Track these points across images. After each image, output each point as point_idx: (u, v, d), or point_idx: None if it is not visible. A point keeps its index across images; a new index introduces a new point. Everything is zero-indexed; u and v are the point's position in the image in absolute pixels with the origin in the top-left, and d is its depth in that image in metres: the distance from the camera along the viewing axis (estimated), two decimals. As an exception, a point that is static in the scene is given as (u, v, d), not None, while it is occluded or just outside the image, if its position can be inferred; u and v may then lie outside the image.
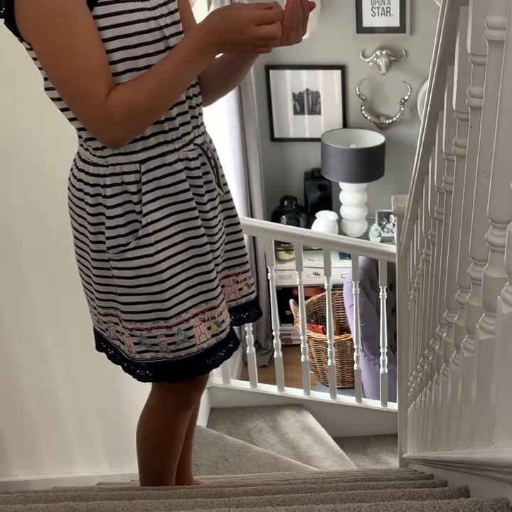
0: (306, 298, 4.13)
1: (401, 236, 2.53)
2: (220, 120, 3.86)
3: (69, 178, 1.51)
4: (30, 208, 2.11)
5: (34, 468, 2.46)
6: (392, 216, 4.27)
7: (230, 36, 1.29)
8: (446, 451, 1.48)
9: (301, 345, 3.40)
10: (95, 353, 2.25)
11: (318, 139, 4.33)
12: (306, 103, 4.40)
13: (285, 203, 4.51)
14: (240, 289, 1.70)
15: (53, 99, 1.41)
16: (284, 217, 4.47)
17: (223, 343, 1.57)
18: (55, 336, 2.30)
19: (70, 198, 1.51)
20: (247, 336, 3.34)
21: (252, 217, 4.13)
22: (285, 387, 3.52)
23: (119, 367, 1.65)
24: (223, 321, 1.57)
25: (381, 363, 3.36)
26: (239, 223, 1.67)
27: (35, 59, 1.35)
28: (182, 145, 1.45)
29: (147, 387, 2.65)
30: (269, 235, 3.14)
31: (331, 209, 4.56)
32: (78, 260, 1.56)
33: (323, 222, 4.41)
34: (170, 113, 1.41)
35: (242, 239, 1.69)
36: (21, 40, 1.32)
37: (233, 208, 1.64)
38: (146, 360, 1.55)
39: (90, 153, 1.43)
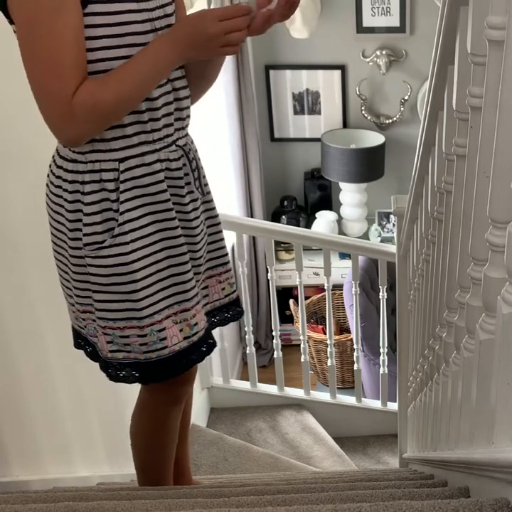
0: (306, 298, 4.13)
1: (401, 236, 2.53)
2: (220, 120, 3.86)
3: (48, 175, 1.51)
4: (30, 208, 2.11)
5: (34, 468, 2.46)
6: (392, 216, 4.27)
7: (196, 37, 1.31)
8: (446, 451, 1.48)
9: (301, 345, 3.40)
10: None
11: (318, 139, 4.33)
12: (306, 103, 4.40)
13: (285, 203, 4.51)
14: (223, 289, 1.70)
15: None
16: (284, 217, 4.47)
17: (195, 346, 1.56)
18: (55, 337, 2.30)
19: (47, 195, 1.50)
20: (247, 336, 3.34)
21: (252, 217, 4.13)
22: (285, 387, 3.52)
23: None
24: (196, 324, 1.56)
25: (381, 363, 3.36)
26: (219, 223, 1.67)
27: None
28: (163, 146, 1.45)
29: (147, 387, 2.64)
30: (269, 235, 3.14)
31: (331, 209, 4.56)
32: (56, 257, 1.56)
33: (323, 222, 4.41)
34: (154, 114, 1.41)
35: (223, 239, 1.69)
36: (11, 22, 1.32)
37: (214, 208, 1.64)
38: (118, 360, 1.54)
39: (69, 149, 1.42)
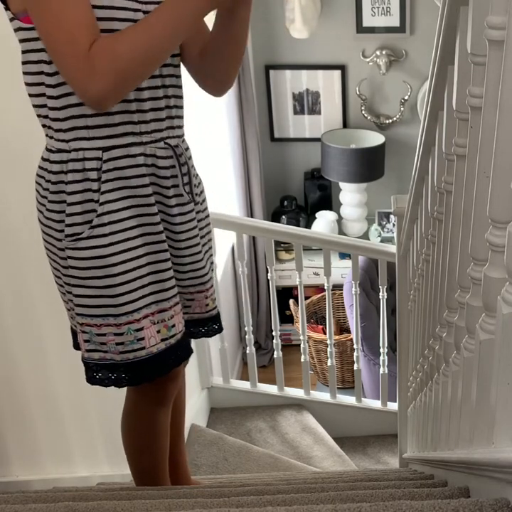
0: (306, 298, 4.14)
1: (401, 236, 2.53)
2: (220, 120, 3.86)
3: (37, 172, 1.48)
4: (30, 208, 2.11)
5: (34, 468, 2.46)
6: (392, 216, 4.27)
7: None
8: (446, 451, 1.48)
9: (301, 345, 3.40)
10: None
11: (318, 139, 4.33)
12: (306, 103, 4.40)
13: (285, 203, 4.52)
14: (207, 305, 1.67)
15: (26, 83, 1.39)
16: (284, 217, 4.47)
17: (172, 348, 1.52)
18: (55, 337, 2.30)
19: (36, 190, 1.48)
20: (247, 336, 3.34)
21: (252, 217, 4.14)
22: (285, 387, 3.52)
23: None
24: (173, 326, 1.52)
25: (381, 363, 3.36)
26: (211, 239, 1.66)
27: (19, 29, 1.33)
28: (150, 140, 1.42)
29: (147, 387, 2.64)
30: (269, 235, 3.14)
31: (331, 209, 4.56)
32: (48, 255, 1.53)
33: (323, 222, 4.41)
34: (142, 105, 1.39)
35: (211, 247, 1.68)
36: (6, 8, 1.31)
37: (209, 224, 1.63)
38: (94, 361, 1.50)
39: (54, 139, 1.40)
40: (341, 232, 4.46)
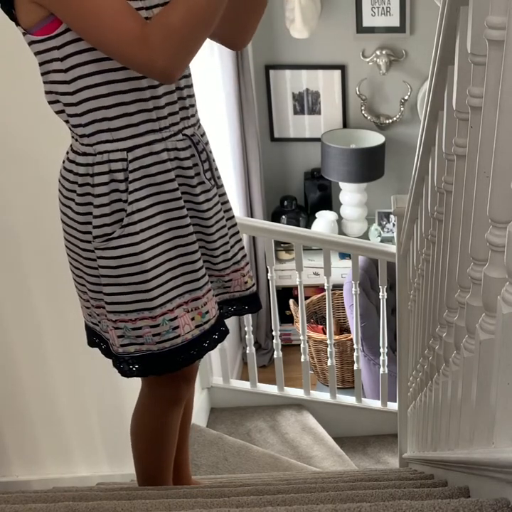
0: (306, 298, 4.13)
1: (401, 236, 2.53)
2: (220, 120, 3.86)
3: (60, 171, 1.50)
4: (30, 209, 2.11)
5: (34, 468, 2.46)
6: (392, 216, 4.27)
7: None
8: (446, 451, 1.48)
9: (301, 345, 3.40)
10: (95, 352, 2.24)
11: (318, 139, 4.33)
12: (306, 103, 4.40)
13: (285, 203, 4.51)
14: (246, 282, 1.71)
15: (50, 103, 1.42)
16: (284, 217, 4.47)
17: (207, 334, 1.57)
18: (55, 337, 2.30)
19: (60, 191, 1.50)
20: (247, 336, 3.34)
21: (252, 217, 4.13)
22: (285, 387, 3.52)
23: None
24: (207, 312, 1.56)
25: (381, 363, 3.36)
26: (234, 216, 1.68)
27: (32, 43, 1.34)
28: (169, 135, 1.44)
29: (147, 387, 2.64)
30: (269, 235, 3.14)
31: (331, 209, 4.56)
32: (69, 254, 1.55)
33: (323, 222, 4.41)
34: (158, 102, 1.41)
35: (239, 231, 1.70)
36: (17, 24, 1.33)
37: (228, 201, 1.65)
38: (130, 354, 1.54)
39: (79, 142, 1.42)
40: (341, 232, 4.45)
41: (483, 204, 1.01)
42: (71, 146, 1.48)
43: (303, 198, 4.64)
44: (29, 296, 2.25)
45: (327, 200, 4.60)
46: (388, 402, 3.45)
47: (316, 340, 4.14)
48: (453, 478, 1.45)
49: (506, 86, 0.90)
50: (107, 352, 1.64)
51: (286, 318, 4.54)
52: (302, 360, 3.41)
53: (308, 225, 4.48)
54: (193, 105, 1.52)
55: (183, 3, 1.25)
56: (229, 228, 1.63)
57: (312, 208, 4.59)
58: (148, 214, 1.45)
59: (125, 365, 1.56)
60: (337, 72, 4.28)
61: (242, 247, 1.70)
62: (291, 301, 4.37)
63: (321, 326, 4.30)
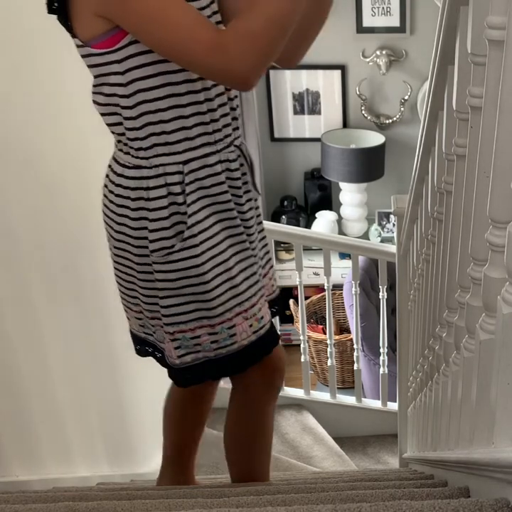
0: (306, 298, 4.13)
1: (401, 236, 2.53)
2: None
3: (105, 186, 1.48)
4: (30, 209, 2.11)
5: (34, 468, 2.45)
6: (392, 216, 4.27)
7: None
8: (446, 451, 1.48)
9: (301, 345, 3.40)
10: (95, 352, 2.25)
11: (318, 139, 4.33)
12: (306, 103, 4.40)
13: (285, 203, 4.51)
14: (272, 286, 1.72)
15: (98, 103, 1.39)
16: (284, 217, 4.47)
17: (262, 338, 1.57)
18: (55, 336, 2.30)
19: (107, 206, 1.48)
20: (247, 336, 3.34)
21: (252, 217, 4.13)
22: (285, 387, 3.51)
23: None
24: (262, 317, 1.57)
25: (381, 363, 3.36)
26: (261, 223, 1.67)
27: (89, 55, 1.32)
28: (223, 147, 1.44)
29: (148, 385, 2.65)
30: (269, 235, 3.10)
31: (331, 209, 4.56)
32: (118, 268, 1.54)
33: (323, 222, 4.41)
34: (214, 115, 1.41)
35: (266, 236, 1.70)
36: (73, 36, 1.31)
37: (259, 207, 1.64)
38: (187, 363, 1.54)
39: (132, 156, 1.41)
40: (341, 232, 4.46)
41: (483, 204, 1.01)
42: (116, 159, 1.45)
43: (303, 198, 4.64)
44: (29, 296, 2.25)
45: (327, 200, 4.60)
46: (388, 402, 3.45)
47: (316, 340, 4.14)
48: (453, 479, 1.44)
49: (506, 86, 0.90)
50: (163, 361, 1.63)
51: (286, 318, 4.54)
52: (302, 360, 3.41)
53: (308, 225, 4.48)
54: (239, 115, 1.52)
55: (261, 9, 1.23)
56: (259, 232, 1.63)
57: (312, 208, 4.59)
58: (207, 225, 1.44)
59: (181, 376, 1.57)
60: (337, 72, 4.28)
61: (268, 251, 1.70)
62: (291, 301, 4.37)
63: (321, 326, 4.30)
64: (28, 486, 2.32)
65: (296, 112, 4.44)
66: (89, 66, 1.35)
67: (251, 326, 1.54)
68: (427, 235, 1.79)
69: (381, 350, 3.34)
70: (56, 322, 2.30)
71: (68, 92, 2.05)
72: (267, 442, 1.85)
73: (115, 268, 1.56)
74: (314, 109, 4.42)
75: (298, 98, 4.40)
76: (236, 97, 1.49)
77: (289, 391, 3.54)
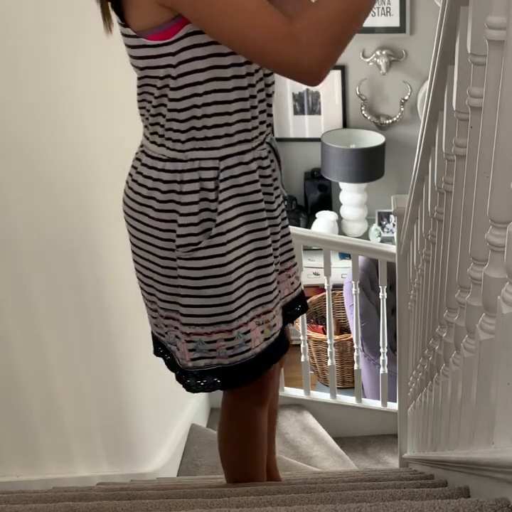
0: (306, 298, 4.13)
1: (401, 236, 2.53)
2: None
3: (132, 179, 1.45)
4: (30, 209, 2.11)
5: (34, 468, 2.45)
6: (392, 216, 4.27)
7: None
8: (446, 451, 1.48)
9: (301, 345, 3.40)
10: (95, 352, 2.25)
11: (318, 139, 4.33)
12: (306, 103, 4.40)
13: (285, 203, 4.51)
14: (292, 283, 1.68)
15: (148, 93, 1.36)
16: (284, 217, 4.46)
17: (272, 346, 1.54)
18: (55, 336, 2.30)
19: (131, 198, 1.45)
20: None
21: (252, 217, 4.13)
22: (285, 387, 3.52)
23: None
24: (275, 325, 1.54)
25: (381, 363, 3.36)
26: (287, 217, 1.65)
27: (141, 47, 1.29)
28: (257, 144, 1.43)
29: (148, 385, 2.65)
30: (269, 235, 3.13)
31: (331, 209, 4.56)
32: (138, 262, 1.50)
33: (323, 222, 4.41)
34: (255, 112, 1.39)
35: (290, 232, 1.67)
36: (125, 26, 1.28)
37: (281, 204, 1.63)
38: (199, 368, 1.51)
39: (167, 148, 1.39)
40: (341, 232, 4.45)
41: (483, 204, 1.01)
42: (146, 152, 1.43)
43: (303, 198, 4.64)
44: (29, 296, 2.25)
45: (327, 200, 4.60)
46: (388, 402, 3.45)
47: (316, 340, 4.14)
48: (453, 478, 1.44)
49: (506, 86, 0.90)
50: (170, 365, 1.61)
51: (286, 318, 4.53)
52: (302, 360, 3.41)
53: (308, 225, 4.48)
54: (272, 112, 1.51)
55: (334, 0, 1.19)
56: (282, 228, 1.62)
57: (312, 208, 4.59)
58: (235, 225, 1.42)
59: (192, 380, 1.53)
60: (337, 72, 4.28)
61: (292, 249, 1.67)
62: (291, 301, 4.36)
63: (321, 326, 4.30)
64: (28, 486, 2.32)
65: (296, 112, 4.44)
66: (137, 57, 1.32)
67: (262, 332, 1.51)
68: (427, 235, 1.79)
69: (381, 350, 3.34)
70: (56, 322, 2.30)
71: (69, 92, 2.05)
72: (258, 446, 1.78)
73: (135, 261, 1.52)
74: (314, 109, 4.42)
75: (298, 98, 4.40)
76: (273, 92, 1.47)
77: (289, 391, 3.54)
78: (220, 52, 1.29)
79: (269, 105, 1.46)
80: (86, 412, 2.48)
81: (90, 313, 2.33)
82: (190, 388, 1.55)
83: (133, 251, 1.51)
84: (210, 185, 1.38)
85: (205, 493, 1.56)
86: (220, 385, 1.54)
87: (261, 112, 1.42)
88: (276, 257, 1.55)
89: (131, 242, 1.50)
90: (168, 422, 2.94)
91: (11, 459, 2.42)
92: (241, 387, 1.58)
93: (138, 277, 1.55)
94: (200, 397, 3.29)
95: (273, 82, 1.46)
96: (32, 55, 1.89)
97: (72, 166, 2.15)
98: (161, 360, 1.65)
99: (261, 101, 1.41)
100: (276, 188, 1.50)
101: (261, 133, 1.43)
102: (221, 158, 1.38)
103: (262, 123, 1.43)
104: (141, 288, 1.56)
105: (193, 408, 3.22)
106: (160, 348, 1.63)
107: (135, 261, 1.52)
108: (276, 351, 1.56)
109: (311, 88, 4.34)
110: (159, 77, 1.32)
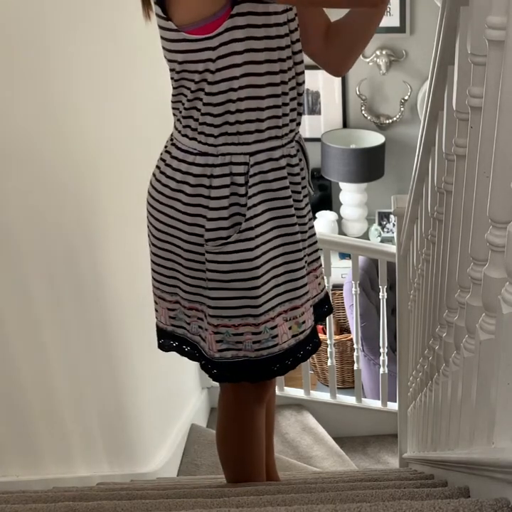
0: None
1: (401, 236, 2.53)
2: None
3: (160, 171, 1.47)
4: (30, 208, 2.11)
5: (34, 468, 2.45)
6: (392, 216, 4.27)
7: None
8: (446, 451, 1.48)
9: (301, 345, 3.40)
10: (96, 352, 2.25)
11: (318, 139, 4.33)
12: (306, 103, 4.40)
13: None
14: (319, 284, 1.69)
15: (185, 87, 1.38)
16: (284, 217, 4.46)
17: (301, 344, 1.55)
18: (55, 335, 2.30)
19: (160, 191, 1.47)
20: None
21: (252, 217, 4.13)
22: (285, 387, 3.52)
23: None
24: (304, 322, 1.55)
25: (381, 363, 3.36)
26: (312, 219, 1.66)
27: (182, 41, 1.31)
28: (287, 141, 1.45)
29: (148, 385, 2.65)
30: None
31: (331, 209, 4.56)
32: (157, 254, 1.52)
33: (323, 222, 4.41)
34: (286, 109, 1.41)
35: (316, 233, 1.68)
36: (167, 19, 1.31)
37: (308, 203, 1.64)
38: (226, 359, 1.52)
39: (199, 141, 1.40)
40: (341, 232, 4.46)
41: (483, 204, 1.01)
42: (176, 145, 1.45)
43: (303, 198, 4.64)
44: (29, 295, 2.25)
45: (327, 200, 4.60)
46: (388, 402, 3.45)
47: (316, 340, 4.14)
48: (453, 478, 1.44)
49: (506, 86, 0.90)
50: (192, 355, 1.62)
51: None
52: (302, 360, 3.41)
53: (308, 225, 4.48)
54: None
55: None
56: (310, 229, 1.62)
57: (312, 208, 4.59)
58: (262, 220, 1.44)
59: (218, 370, 1.55)
60: (337, 72, 4.28)
61: (317, 250, 1.68)
62: (291, 301, 4.36)
63: (321, 326, 4.29)
64: (28, 486, 2.32)
65: (296, 112, 4.44)
66: (176, 51, 1.34)
67: (290, 328, 1.53)
68: (427, 235, 1.79)
69: (381, 350, 3.34)
70: (56, 322, 2.30)
71: (69, 92, 2.05)
72: (256, 444, 1.79)
73: (155, 254, 1.53)
74: (314, 109, 4.42)
75: (298, 98, 4.40)
76: (304, 91, 1.49)
77: (289, 391, 3.54)
78: (256, 48, 1.32)
79: (300, 104, 1.47)
80: (86, 412, 2.48)
81: (91, 313, 2.33)
82: (216, 378, 1.58)
83: (154, 244, 1.53)
84: (241, 180, 1.40)
85: (205, 493, 1.56)
86: (244, 376, 1.55)
87: (292, 110, 1.44)
88: (305, 255, 1.56)
89: (152, 234, 1.52)
90: (168, 422, 2.94)
91: (11, 459, 2.42)
92: (242, 385, 1.60)
93: (157, 271, 1.56)
94: (200, 397, 3.29)
95: (303, 82, 1.48)
96: (33, 54, 1.89)
97: (72, 166, 2.15)
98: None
99: (292, 99, 1.43)
100: (303, 187, 1.52)
101: (291, 131, 1.46)
102: (251, 154, 1.40)
103: (292, 121, 1.45)
104: (160, 281, 1.57)
105: (193, 408, 3.22)
106: (173, 342, 1.63)
107: (155, 254, 1.53)
108: (305, 349, 1.57)
109: (310, 88, 4.34)
110: (198, 71, 1.34)
